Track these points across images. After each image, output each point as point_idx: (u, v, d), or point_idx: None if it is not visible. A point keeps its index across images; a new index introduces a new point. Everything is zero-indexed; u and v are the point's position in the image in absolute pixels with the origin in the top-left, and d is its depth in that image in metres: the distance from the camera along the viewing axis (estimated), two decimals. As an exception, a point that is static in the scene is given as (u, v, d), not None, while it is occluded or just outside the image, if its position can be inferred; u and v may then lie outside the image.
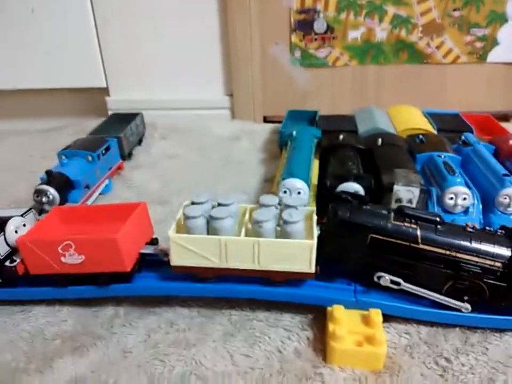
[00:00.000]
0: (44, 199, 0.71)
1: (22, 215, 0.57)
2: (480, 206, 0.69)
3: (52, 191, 0.70)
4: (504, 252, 0.50)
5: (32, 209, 0.59)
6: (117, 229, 0.52)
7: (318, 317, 0.53)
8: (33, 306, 0.56)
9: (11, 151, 1.08)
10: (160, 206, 0.80)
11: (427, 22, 1.20)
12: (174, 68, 1.19)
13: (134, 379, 0.46)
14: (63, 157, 0.80)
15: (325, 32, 1.21)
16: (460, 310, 0.50)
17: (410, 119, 0.98)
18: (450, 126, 0.96)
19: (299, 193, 0.70)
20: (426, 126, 0.94)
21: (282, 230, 0.51)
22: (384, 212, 0.52)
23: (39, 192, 0.71)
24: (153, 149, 1.06)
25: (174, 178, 0.91)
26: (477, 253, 0.49)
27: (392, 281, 0.51)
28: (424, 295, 0.51)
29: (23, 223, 0.56)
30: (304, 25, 1.20)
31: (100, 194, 0.83)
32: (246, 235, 0.52)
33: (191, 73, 1.20)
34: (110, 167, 0.87)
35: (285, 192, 0.70)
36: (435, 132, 0.93)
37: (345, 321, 0.48)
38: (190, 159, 1.01)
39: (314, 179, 0.76)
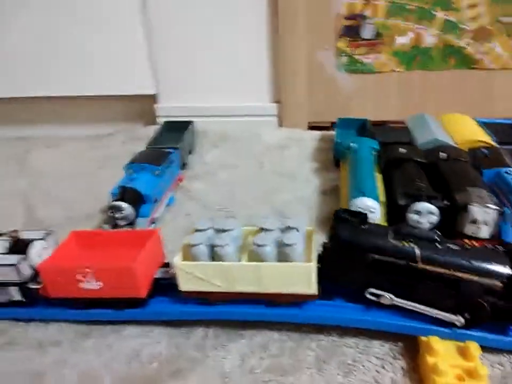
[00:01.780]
0: (118, 215, 0.72)
1: (43, 238, 0.60)
2: (556, 228, 0.68)
3: (127, 207, 0.71)
4: (504, 270, 0.50)
5: (53, 231, 0.62)
6: (132, 256, 0.55)
7: (408, 345, 0.53)
8: (124, 326, 0.58)
9: (67, 158, 1.09)
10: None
11: (477, 28, 1.19)
12: (221, 75, 1.19)
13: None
14: (131, 171, 0.81)
15: (373, 38, 1.20)
16: (455, 325, 0.51)
17: (469, 130, 0.96)
18: (510, 138, 0.95)
19: (371, 212, 0.70)
20: (486, 137, 0.92)
21: (282, 253, 0.53)
22: (384, 231, 0.54)
23: (114, 208, 0.72)
24: (206, 157, 1.07)
25: (233, 189, 0.91)
26: (477, 271, 0.50)
27: (382, 296, 0.52)
28: (417, 310, 0.51)
29: (44, 246, 0.59)
30: (351, 30, 1.19)
31: (166, 206, 0.84)
32: (249, 258, 0.54)
33: (238, 80, 1.20)
34: (173, 179, 0.88)
35: (357, 211, 0.70)
36: (495, 144, 0.92)
37: (442, 353, 0.49)
38: (244, 168, 1.01)
39: (381, 196, 0.76)
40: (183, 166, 1.00)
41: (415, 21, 1.18)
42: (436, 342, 0.50)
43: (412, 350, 0.53)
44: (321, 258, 0.55)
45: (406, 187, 0.73)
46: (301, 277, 0.52)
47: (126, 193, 0.73)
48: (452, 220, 0.69)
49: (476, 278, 0.49)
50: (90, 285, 0.55)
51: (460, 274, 0.50)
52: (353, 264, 0.53)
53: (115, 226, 0.73)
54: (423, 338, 0.51)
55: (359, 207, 0.70)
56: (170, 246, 0.69)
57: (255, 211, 0.84)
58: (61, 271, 0.55)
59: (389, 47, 1.21)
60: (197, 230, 0.57)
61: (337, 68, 1.23)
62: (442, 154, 0.82)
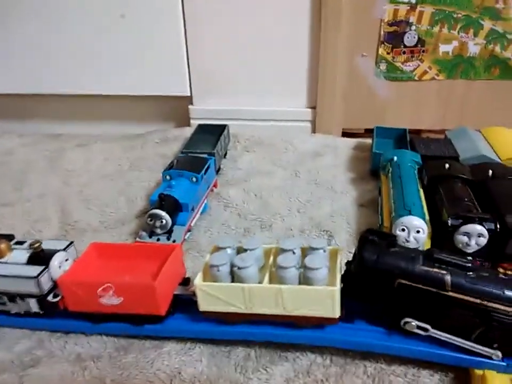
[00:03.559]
0: (157, 224, 0.71)
1: (64, 249, 0.59)
2: None
3: (166, 216, 0.70)
4: None
5: (73, 243, 0.61)
6: (153, 271, 0.55)
7: (458, 376, 0.51)
8: (163, 342, 0.57)
9: (98, 158, 1.09)
10: (261, 230, 0.80)
11: (524, 39, 1.14)
12: (256, 79, 1.17)
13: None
14: (168, 177, 0.79)
15: (415, 45, 1.17)
16: (490, 358, 0.49)
17: (513, 145, 0.93)
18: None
19: (418, 232, 0.67)
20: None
21: (305, 276, 0.52)
22: (414, 255, 0.51)
23: (153, 217, 0.71)
24: (239, 162, 1.05)
25: (268, 198, 0.89)
26: (510, 302, 0.47)
27: (419, 327, 0.50)
28: (453, 341, 0.49)
29: (65, 258, 0.58)
30: (394, 37, 1.16)
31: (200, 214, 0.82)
32: (270, 279, 0.53)
33: (273, 84, 1.18)
34: (208, 186, 0.86)
35: (403, 230, 0.68)
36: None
37: (499, 390, 0.46)
38: (278, 176, 0.99)
39: (426, 214, 0.73)
40: (217, 170, 0.98)
41: (460, 29, 1.14)
42: (492, 376, 0.47)
43: (462, 382, 0.50)
44: (344, 278, 0.53)
45: (455, 207, 0.70)
46: (324, 300, 0.51)
47: (165, 201, 0.72)
48: (499, 243, 0.66)
49: (508, 309, 0.47)
50: (111, 300, 0.54)
51: (491, 304, 0.48)
52: (379, 288, 0.51)
53: (152, 233, 0.72)
54: (478, 371, 0.49)
55: (405, 226, 0.67)
56: (203, 257, 0.67)
57: (292, 222, 0.82)
58: (82, 286, 0.54)
59: (431, 54, 1.17)
60: (218, 248, 0.56)
61: (376, 74, 1.20)
62: (490, 172, 0.79)
